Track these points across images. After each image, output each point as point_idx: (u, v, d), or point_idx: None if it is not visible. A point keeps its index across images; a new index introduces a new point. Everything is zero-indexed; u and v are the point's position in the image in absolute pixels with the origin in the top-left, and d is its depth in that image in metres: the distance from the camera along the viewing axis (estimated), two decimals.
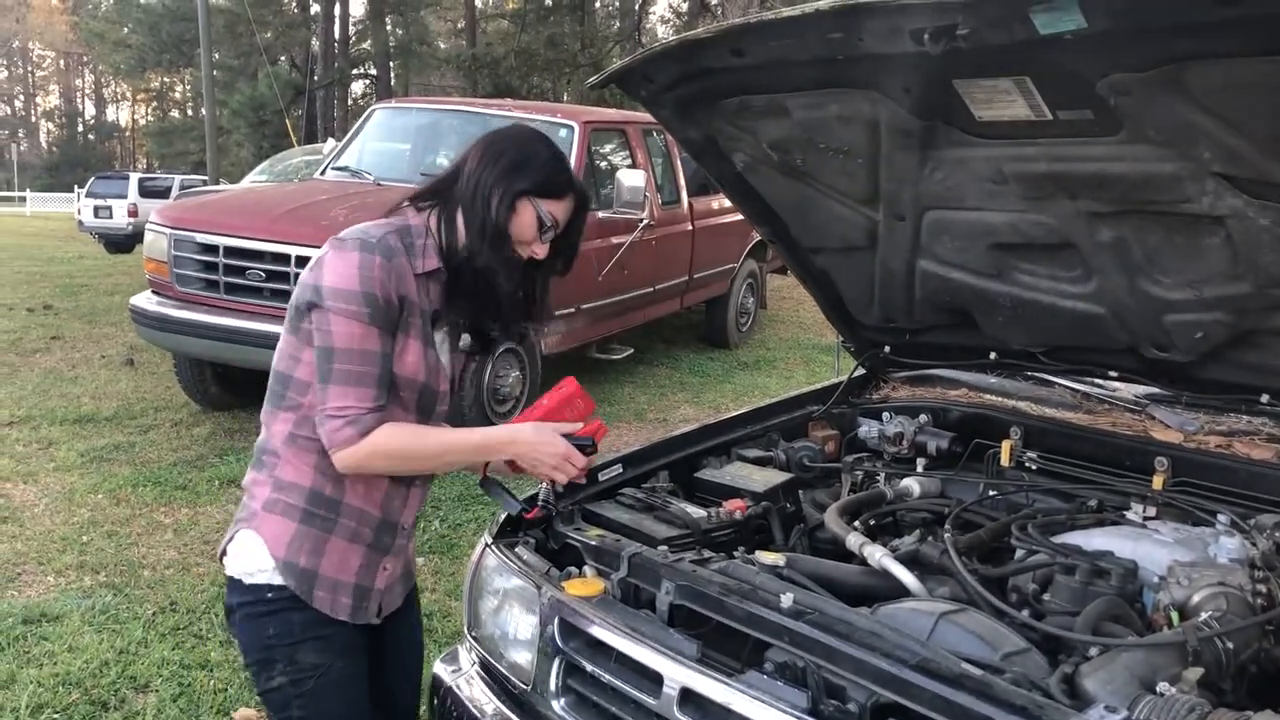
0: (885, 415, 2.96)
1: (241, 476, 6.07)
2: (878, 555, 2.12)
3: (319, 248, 6.26)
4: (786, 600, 1.89)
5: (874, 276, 2.73)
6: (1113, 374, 2.57)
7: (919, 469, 2.76)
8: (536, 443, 2.08)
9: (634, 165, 8.27)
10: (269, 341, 5.87)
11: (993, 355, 2.78)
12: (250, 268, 6.16)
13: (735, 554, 2.23)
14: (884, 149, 2.29)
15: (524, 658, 2.24)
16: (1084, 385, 2.77)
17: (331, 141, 10.03)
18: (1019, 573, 2.12)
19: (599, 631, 2.03)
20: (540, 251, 2.07)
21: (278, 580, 2.00)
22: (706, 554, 2.19)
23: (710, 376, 8.99)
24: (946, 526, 2.23)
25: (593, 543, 2.27)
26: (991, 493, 2.63)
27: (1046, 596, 2.05)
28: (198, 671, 3.77)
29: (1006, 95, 1.98)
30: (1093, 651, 1.80)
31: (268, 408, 2.08)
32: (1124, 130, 1.94)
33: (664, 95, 2.46)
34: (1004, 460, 2.68)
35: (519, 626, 2.27)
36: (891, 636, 1.77)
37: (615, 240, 7.64)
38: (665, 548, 2.23)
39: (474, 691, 2.34)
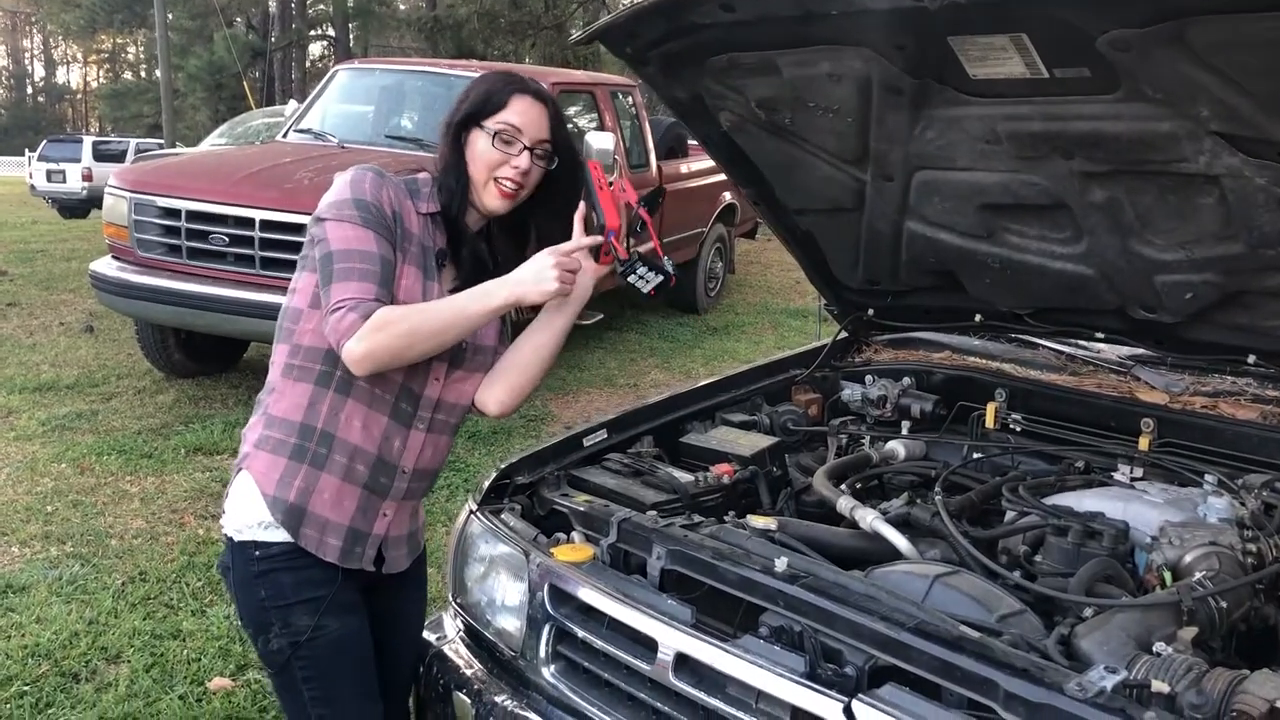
0: (868, 378, 2.95)
1: (208, 444, 5.97)
2: (869, 518, 2.11)
3: (283, 211, 6.15)
4: (780, 564, 1.87)
5: (859, 238, 2.71)
6: (1099, 335, 2.56)
7: (903, 432, 2.75)
8: (529, 269, 1.92)
9: (602, 128, 8.18)
10: (233, 307, 5.93)
11: (978, 317, 2.77)
12: (213, 232, 6.05)
13: (725, 519, 2.21)
14: (874, 108, 2.26)
15: (512, 624, 2.22)
16: (1069, 347, 2.77)
17: (293, 103, 9.86)
18: (1010, 534, 2.12)
19: (590, 597, 2.01)
20: (522, 163, 1.99)
21: (263, 537, 1.97)
22: (696, 519, 2.17)
23: (680, 342, 8.97)
24: (936, 489, 2.22)
25: (580, 508, 2.24)
26: (976, 455, 2.63)
27: (1038, 558, 2.05)
28: (170, 641, 3.72)
29: (1002, 53, 1.95)
30: (1087, 612, 1.80)
31: (274, 347, 2.07)
32: (1121, 88, 1.92)
33: (649, 52, 2.41)
34: (989, 422, 2.67)
35: (506, 593, 2.24)
36: (887, 600, 1.77)
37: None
38: (654, 513, 2.21)
39: (461, 658, 2.31)
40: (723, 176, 10.03)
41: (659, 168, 9.16)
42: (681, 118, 2.62)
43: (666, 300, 10.31)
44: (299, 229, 5.70)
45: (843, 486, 2.43)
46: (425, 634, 2.46)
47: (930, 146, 2.28)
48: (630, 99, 9.16)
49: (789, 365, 3.06)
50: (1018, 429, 2.65)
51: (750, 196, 2.79)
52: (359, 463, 2.01)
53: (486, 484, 2.41)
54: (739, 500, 2.44)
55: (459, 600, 2.39)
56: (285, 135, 7.84)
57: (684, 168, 9.71)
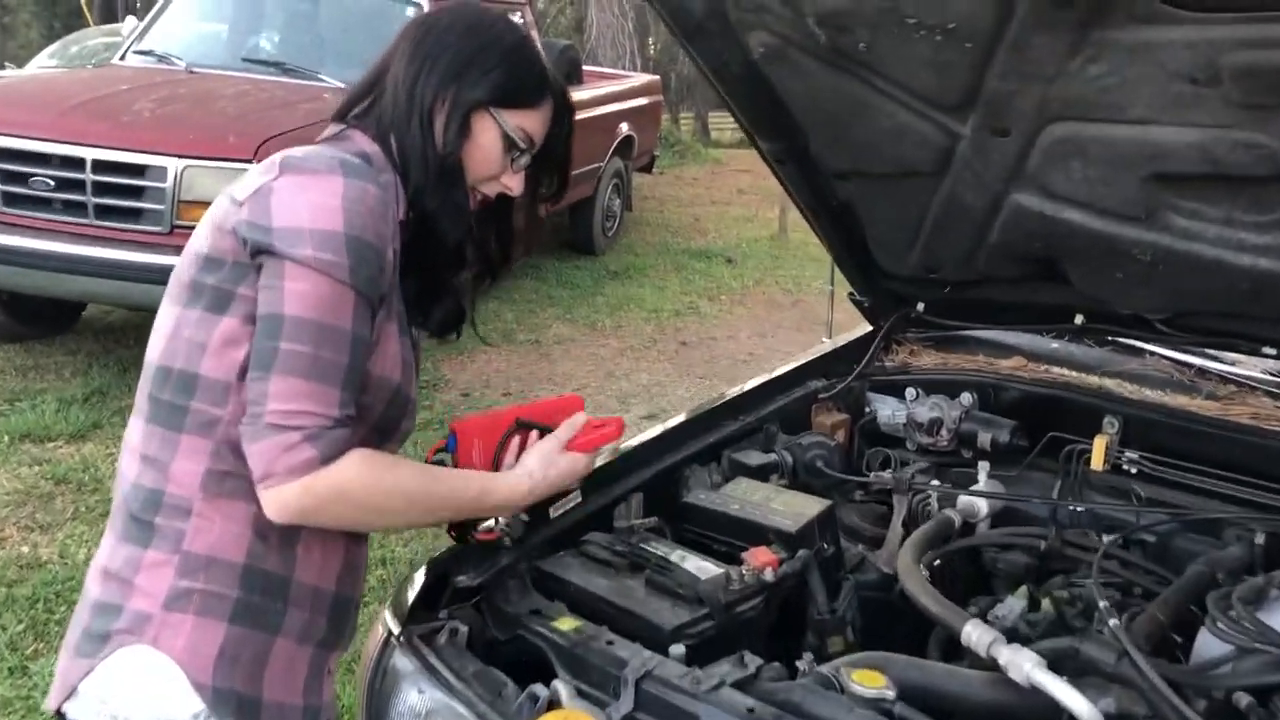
0: (909, 392, 2.22)
1: (38, 429, 4.90)
2: (1027, 667, 1.37)
3: (120, 150, 4.87)
4: None
5: (928, 213, 1.94)
6: (1269, 351, 1.86)
7: (982, 476, 2.02)
8: (549, 476, 1.56)
9: None
10: (64, 264, 4.92)
11: (1079, 319, 2.04)
12: (35, 174, 5.09)
13: (800, 663, 1.45)
14: (1014, 28, 1.48)
15: None
16: (1195, 358, 2.07)
17: (132, 20, 8.66)
18: (1223, 681, 1.41)
19: None
20: (514, 185, 1.53)
21: None
22: (749, 662, 1.41)
23: (579, 288, 8.25)
24: (1106, 607, 1.47)
25: (565, 644, 1.47)
26: (1074, 506, 1.93)
27: None
28: None
29: None
30: None
31: (152, 430, 1.39)
32: None
33: None
34: (1095, 463, 1.96)
35: None
36: None
37: None
38: (681, 648, 1.46)
39: None
40: (620, 106, 9.27)
41: None
42: (688, 38, 1.79)
43: (562, 241, 9.53)
44: (140, 170, 4.90)
45: (921, 566, 1.72)
46: None
47: (1090, 87, 1.51)
48: (520, 18, 8.23)
49: (805, 375, 2.29)
50: (1133, 471, 1.95)
51: (772, 152, 1.98)
52: (319, 612, 1.46)
53: (414, 591, 1.62)
54: (781, 598, 1.69)
55: None
56: (123, 57, 6.86)
57: (578, 95, 8.83)
